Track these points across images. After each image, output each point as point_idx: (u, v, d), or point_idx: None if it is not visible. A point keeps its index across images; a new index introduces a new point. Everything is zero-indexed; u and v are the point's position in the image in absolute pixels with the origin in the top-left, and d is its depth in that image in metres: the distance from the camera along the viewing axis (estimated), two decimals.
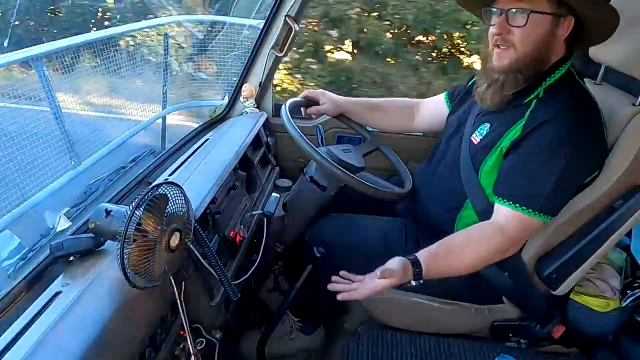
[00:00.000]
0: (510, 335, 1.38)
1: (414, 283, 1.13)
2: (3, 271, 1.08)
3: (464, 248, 1.16)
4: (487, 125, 1.25)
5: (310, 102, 1.59)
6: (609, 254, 1.39)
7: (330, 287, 1.15)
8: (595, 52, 1.32)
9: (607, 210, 1.21)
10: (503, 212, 1.16)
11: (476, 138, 1.26)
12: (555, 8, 1.10)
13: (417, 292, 1.36)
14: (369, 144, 1.58)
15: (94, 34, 3.39)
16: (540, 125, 1.12)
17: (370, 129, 1.68)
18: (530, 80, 1.18)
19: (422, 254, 1.14)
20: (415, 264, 1.12)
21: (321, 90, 1.61)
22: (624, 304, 1.33)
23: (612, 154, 1.20)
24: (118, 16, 5.88)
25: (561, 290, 1.27)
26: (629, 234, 1.39)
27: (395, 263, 1.11)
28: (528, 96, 1.18)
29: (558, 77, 1.17)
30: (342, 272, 1.17)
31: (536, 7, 1.10)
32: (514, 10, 1.12)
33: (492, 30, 1.17)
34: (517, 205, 1.13)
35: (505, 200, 1.15)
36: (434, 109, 1.58)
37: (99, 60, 3.21)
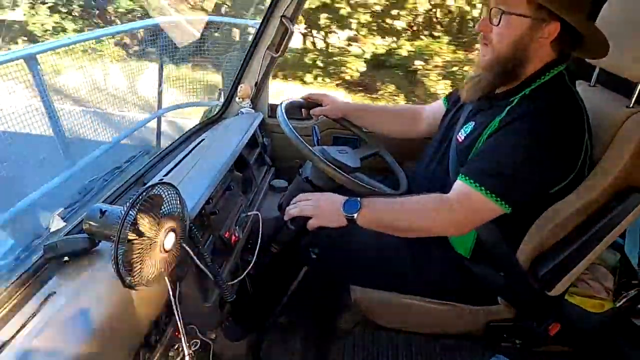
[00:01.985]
0: (505, 335, 1.39)
1: (346, 217, 1.17)
2: None
3: (410, 209, 1.18)
4: (472, 123, 1.26)
5: (312, 103, 1.60)
6: (602, 254, 1.40)
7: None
8: None
9: (601, 212, 1.21)
10: (457, 187, 1.16)
11: (461, 137, 1.27)
12: (535, 12, 1.10)
13: (412, 293, 1.36)
14: (368, 148, 1.58)
15: (89, 34, 3.39)
16: (516, 119, 1.13)
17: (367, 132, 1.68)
18: (507, 79, 1.19)
19: (366, 198, 1.19)
20: (352, 200, 1.18)
21: (323, 92, 1.62)
22: (618, 305, 1.34)
23: (606, 155, 1.20)
24: None
25: (556, 290, 1.27)
26: (622, 235, 1.39)
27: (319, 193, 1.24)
28: (514, 96, 1.20)
29: (546, 80, 1.18)
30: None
31: (511, 8, 1.11)
32: (495, 9, 1.13)
33: (476, 26, 1.20)
34: (469, 179, 1.13)
35: (462, 175, 1.15)
36: (435, 113, 1.59)
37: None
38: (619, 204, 1.19)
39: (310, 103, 1.60)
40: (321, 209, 1.21)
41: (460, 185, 1.15)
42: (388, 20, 5.95)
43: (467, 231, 1.21)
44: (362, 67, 6.00)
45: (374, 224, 1.19)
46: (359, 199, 1.18)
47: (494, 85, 1.22)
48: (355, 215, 1.16)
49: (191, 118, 3.89)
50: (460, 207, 1.13)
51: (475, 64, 1.25)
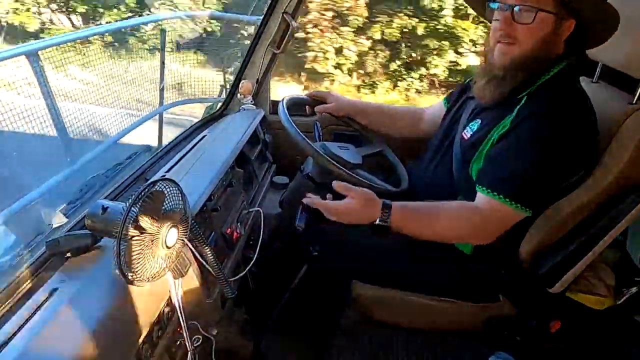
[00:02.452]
0: (506, 332, 1.39)
1: (379, 222, 1.15)
2: None
3: (441, 216, 1.18)
4: (479, 121, 1.26)
5: (316, 101, 1.60)
6: (603, 251, 1.40)
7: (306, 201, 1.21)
8: (592, 50, 1.32)
9: (603, 209, 1.21)
10: (482, 199, 1.17)
11: (467, 134, 1.27)
12: (559, 8, 1.11)
13: (413, 290, 1.36)
14: (372, 147, 1.58)
15: (92, 29, 3.38)
16: (526, 118, 1.13)
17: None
18: (533, 76, 1.19)
19: (397, 203, 1.17)
20: (386, 205, 1.15)
21: (327, 90, 1.63)
22: (619, 302, 1.34)
23: (608, 152, 1.20)
24: None
25: (557, 288, 1.27)
26: (624, 232, 1.39)
27: (359, 188, 1.17)
28: (521, 93, 1.19)
29: (552, 75, 1.18)
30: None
31: (543, 5, 1.11)
32: (518, 7, 1.12)
33: (496, 25, 1.18)
34: (489, 191, 1.14)
35: (481, 187, 1.16)
36: (435, 114, 1.60)
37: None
38: (620, 202, 1.19)
39: (314, 100, 1.60)
40: (358, 213, 1.18)
41: (483, 197, 1.15)
42: None
43: (493, 240, 1.21)
44: None
45: (403, 229, 1.18)
46: (390, 202, 1.17)
47: (520, 84, 1.20)
48: (389, 220, 1.16)
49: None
50: (487, 218, 1.15)
51: (487, 65, 1.23)
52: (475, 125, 1.26)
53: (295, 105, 1.53)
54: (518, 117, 1.15)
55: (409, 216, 1.18)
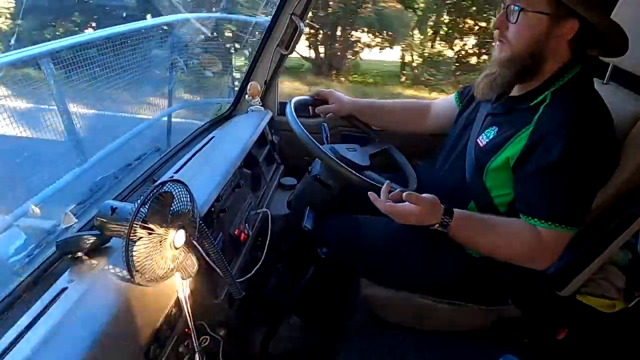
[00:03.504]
0: (515, 335, 1.38)
1: (438, 227, 1.15)
2: (10, 267, 1.09)
3: (501, 233, 1.17)
4: (495, 128, 1.24)
5: (319, 101, 1.60)
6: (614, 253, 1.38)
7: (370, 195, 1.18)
8: None
9: (614, 211, 1.20)
10: (539, 227, 1.14)
11: (482, 141, 1.25)
12: (554, 9, 1.09)
13: (421, 292, 1.36)
14: (377, 145, 1.57)
15: (100, 32, 3.41)
16: (548, 134, 1.10)
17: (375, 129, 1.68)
18: (525, 77, 1.18)
19: (458, 210, 1.16)
20: (448, 211, 1.14)
21: (330, 89, 1.62)
22: (630, 305, 1.32)
23: (619, 154, 1.19)
24: None
25: (567, 291, 1.26)
26: (635, 234, 1.38)
27: (427, 195, 1.14)
28: (535, 99, 1.17)
29: (566, 81, 1.16)
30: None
31: (529, 6, 1.10)
32: (511, 6, 1.12)
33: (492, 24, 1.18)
34: (544, 222, 1.12)
35: (530, 217, 1.14)
36: (445, 109, 1.58)
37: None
38: (632, 204, 1.18)
39: (317, 101, 1.60)
40: (418, 216, 1.15)
41: (542, 228, 1.13)
42: None
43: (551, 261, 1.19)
44: None
45: (460, 237, 1.18)
46: (452, 209, 1.17)
47: (511, 84, 1.21)
48: (448, 227, 1.16)
49: None
50: (547, 245, 1.13)
51: (490, 62, 1.23)
52: (491, 132, 1.24)
53: (302, 106, 1.53)
54: (538, 130, 1.12)
55: (469, 226, 1.18)
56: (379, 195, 1.17)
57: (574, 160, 1.08)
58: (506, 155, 1.17)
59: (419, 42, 7.10)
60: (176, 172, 1.32)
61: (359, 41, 7.18)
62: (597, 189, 1.16)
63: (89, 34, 3.15)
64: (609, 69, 1.41)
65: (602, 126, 1.12)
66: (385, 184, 1.18)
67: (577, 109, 1.11)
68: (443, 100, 1.62)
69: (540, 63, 1.15)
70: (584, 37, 1.13)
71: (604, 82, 1.42)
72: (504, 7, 1.16)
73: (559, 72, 1.16)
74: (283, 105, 1.96)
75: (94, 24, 6.28)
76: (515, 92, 1.24)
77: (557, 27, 1.11)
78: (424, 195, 1.14)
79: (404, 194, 1.14)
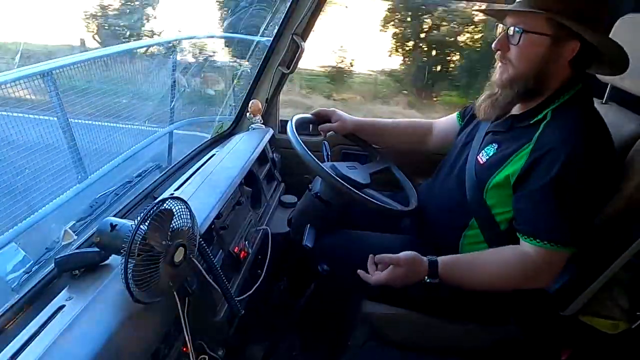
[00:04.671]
0: (517, 355, 1.36)
1: (428, 280, 1.15)
2: (7, 284, 1.09)
3: (491, 266, 1.17)
4: (495, 146, 1.24)
5: (321, 119, 1.60)
6: (617, 273, 1.37)
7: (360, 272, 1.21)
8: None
9: (615, 231, 1.20)
10: (532, 247, 1.13)
11: (482, 158, 1.25)
12: (555, 30, 1.10)
13: (422, 310, 1.35)
14: (378, 163, 1.58)
15: (106, 50, 3.45)
16: (549, 152, 1.10)
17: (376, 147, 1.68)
18: (527, 98, 1.19)
19: (443, 257, 1.17)
20: (432, 262, 1.15)
21: (332, 108, 1.63)
22: (633, 326, 1.31)
23: (620, 174, 1.19)
24: None
25: (569, 310, 1.25)
26: (638, 254, 1.37)
27: (404, 254, 1.16)
28: (535, 117, 1.18)
29: (567, 99, 1.17)
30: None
31: (532, 27, 1.11)
32: (513, 28, 1.14)
33: (493, 45, 1.19)
34: (540, 241, 1.11)
35: (528, 237, 1.13)
36: (446, 128, 1.59)
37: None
38: (633, 223, 1.17)
39: (319, 119, 1.61)
40: (405, 278, 1.18)
41: (535, 247, 1.12)
42: None
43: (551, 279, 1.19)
44: None
45: (452, 282, 1.18)
46: (436, 259, 1.17)
47: (513, 104, 1.22)
48: (436, 277, 1.16)
49: None
50: (541, 266, 1.12)
51: (491, 82, 1.24)
52: (491, 150, 1.25)
53: (303, 125, 1.54)
54: (538, 148, 1.12)
55: (457, 269, 1.18)
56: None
57: (574, 178, 1.08)
58: (506, 172, 1.17)
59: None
60: (176, 189, 1.32)
61: None
62: (597, 209, 1.16)
63: (99, 50, 3.17)
64: (608, 88, 1.42)
65: (603, 144, 1.13)
66: (369, 257, 1.21)
67: (578, 127, 1.12)
68: (445, 119, 1.63)
69: (542, 83, 1.16)
70: (585, 57, 1.14)
71: (603, 101, 1.43)
72: (503, 28, 1.17)
73: (560, 91, 1.17)
74: (284, 123, 1.97)
75: None
76: (515, 110, 1.25)
77: (559, 48, 1.12)
78: (401, 254, 1.17)
79: (377, 257, 1.19)
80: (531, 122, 1.18)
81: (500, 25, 1.21)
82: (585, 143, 1.09)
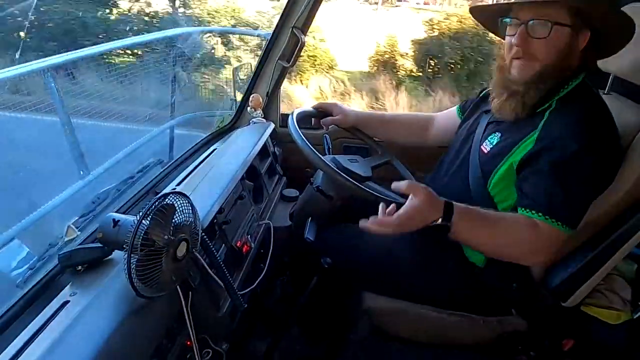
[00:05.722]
0: (519, 347, 1.37)
1: (441, 221, 1.07)
2: (12, 280, 1.09)
3: (503, 228, 1.13)
4: (498, 134, 1.24)
5: (322, 113, 1.60)
6: (619, 264, 1.38)
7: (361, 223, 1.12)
8: (604, 61, 1.32)
9: (617, 221, 1.20)
10: (538, 221, 1.11)
11: (486, 147, 1.25)
12: (573, 19, 1.10)
13: (424, 302, 1.35)
14: (380, 157, 1.57)
15: (103, 46, 3.44)
16: (555, 140, 1.10)
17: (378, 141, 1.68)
18: (554, 89, 1.18)
19: (458, 204, 1.10)
20: (448, 203, 1.09)
21: (334, 101, 1.63)
22: (635, 316, 1.31)
23: (622, 164, 1.19)
24: None
25: (571, 302, 1.25)
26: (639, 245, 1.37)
27: (423, 186, 1.08)
28: (540, 106, 1.18)
29: (572, 88, 1.17)
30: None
31: (558, 18, 1.10)
32: (533, 21, 1.12)
33: (511, 41, 1.17)
34: (540, 214, 1.10)
35: (529, 210, 1.11)
36: (447, 122, 1.58)
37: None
38: (635, 213, 1.17)
39: (321, 112, 1.60)
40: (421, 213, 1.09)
41: (540, 221, 1.10)
42: None
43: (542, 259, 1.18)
44: None
45: (463, 232, 1.12)
46: (453, 204, 1.11)
47: (542, 98, 1.18)
48: (451, 220, 1.09)
49: None
50: (545, 242, 1.11)
51: (504, 81, 1.22)
52: (494, 139, 1.24)
53: (305, 118, 1.54)
54: (544, 134, 1.12)
55: (470, 219, 1.11)
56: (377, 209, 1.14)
57: (580, 165, 1.08)
58: (511, 161, 1.17)
59: None
60: (178, 184, 1.32)
61: None
62: (597, 194, 1.16)
63: (91, 48, 3.15)
64: (610, 79, 1.41)
65: (610, 131, 1.13)
66: (380, 206, 1.14)
67: (584, 115, 1.12)
68: (445, 113, 1.63)
69: (565, 74, 1.16)
70: (593, 46, 1.14)
71: (605, 92, 1.43)
72: (518, 23, 1.15)
73: (565, 80, 1.17)
74: (285, 117, 1.97)
75: None
76: None
77: (577, 38, 1.13)
78: (418, 184, 1.11)
79: (399, 184, 1.10)
80: (536, 111, 1.18)
81: (507, 20, 1.18)
82: (593, 130, 1.10)
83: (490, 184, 1.22)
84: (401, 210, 1.08)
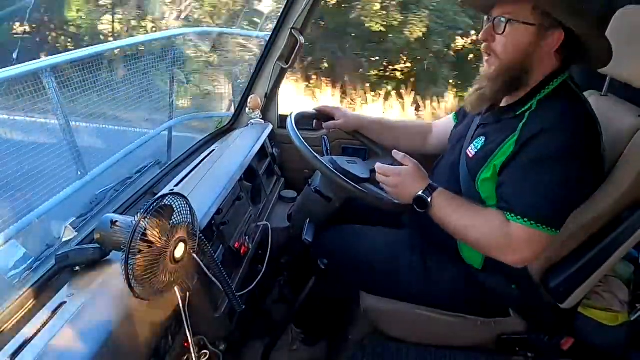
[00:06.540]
0: (518, 349, 1.37)
1: (422, 193, 1.20)
2: (9, 281, 1.09)
3: (473, 215, 1.18)
4: (482, 138, 1.25)
5: (323, 115, 1.60)
6: (616, 266, 1.38)
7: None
8: None
9: (614, 223, 1.20)
10: (511, 223, 1.13)
11: (471, 152, 1.26)
12: (540, 19, 1.10)
13: (423, 304, 1.35)
14: (379, 160, 1.57)
15: (102, 46, 3.44)
16: (535, 136, 1.10)
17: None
18: (512, 88, 1.18)
19: (440, 190, 1.21)
20: (432, 184, 1.22)
21: (336, 105, 1.63)
22: (632, 318, 1.31)
23: (618, 166, 1.19)
24: None
25: (568, 303, 1.25)
26: (637, 247, 1.37)
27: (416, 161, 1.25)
28: (521, 108, 1.18)
29: (552, 90, 1.17)
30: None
31: (517, 16, 1.11)
32: (497, 18, 1.14)
33: (479, 36, 1.19)
34: (519, 217, 1.11)
35: (507, 213, 1.13)
36: (445, 129, 1.59)
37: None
38: (631, 216, 1.17)
39: (322, 115, 1.61)
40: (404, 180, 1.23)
41: (514, 224, 1.12)
42: None
43: (530, 263, 1.19)
44: None
45: (440, 212, 1.20)
46: (437, 186, 1.22)
47: (499, 95, 1.21)
48: (431, 196, 1.20)
49: None
50: (517, 241, 1.12)
51: (481, 76, 1.24)
52: (479, 142, 1.25)
53: (304, 120, 1.54)
54: (523, 135, 1.13)
55: (448, 203, 1.20)
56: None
57: (559, 161, 1.09)
58: (494, 164, 1.17)
59: None
60: (176, 185, 1.32)
61: None
62: (579, 196, 1.16)
63: (90, 48, 3.15)
64: (607, 81, 1.41)
65: (589, 134, 1.12)
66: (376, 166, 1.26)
67: (563, 114, 1.12)
68: (442, 121, 1.64)
69: (528, 74, 1.16)
70: (570, 47, 1.14)
71: (602, 93, 1.43)
72: (488, 20, 1.17)
73: (544, 81, 1.17)
74: (283, 118, 1.97)
75: None
76: (503, 102, 1.25)
77: (543, 38, 1.12)
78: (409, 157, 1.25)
79: (393, 152, 1.29)
80: (517, 113, 1.18)
81: (486, 17, 1.20)
82: (572, 129, 1.10)
83: (477, 186, 1.23)
84: (397, 169, 1.23)
